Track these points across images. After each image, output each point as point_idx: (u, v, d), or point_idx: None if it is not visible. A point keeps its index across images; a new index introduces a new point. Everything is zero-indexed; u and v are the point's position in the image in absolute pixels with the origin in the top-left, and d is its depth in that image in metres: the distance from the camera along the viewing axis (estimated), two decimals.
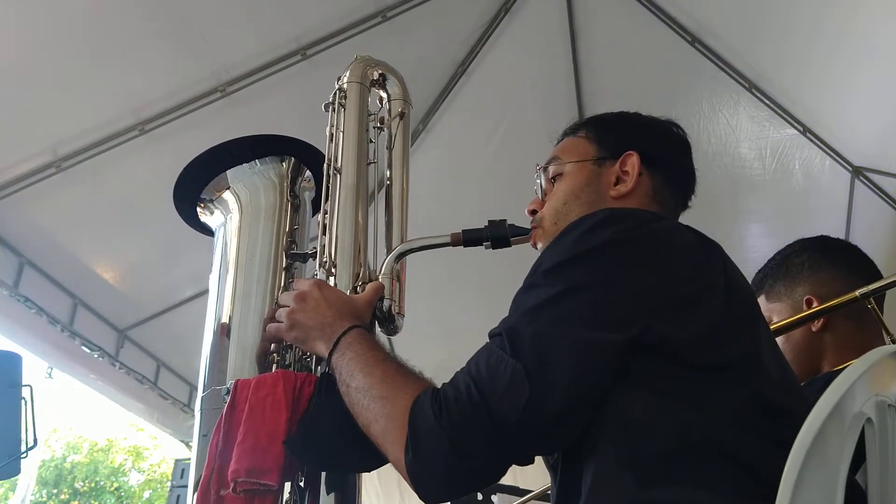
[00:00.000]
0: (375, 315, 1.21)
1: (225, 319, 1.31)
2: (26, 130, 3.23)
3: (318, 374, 1.13)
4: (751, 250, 4.09)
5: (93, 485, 15.75)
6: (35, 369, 3.89)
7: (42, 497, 15.12)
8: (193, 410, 5.03)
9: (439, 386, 0.93)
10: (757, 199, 4.24)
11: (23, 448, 2.90)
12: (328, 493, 1.09)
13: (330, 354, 1.07)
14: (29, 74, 3.06)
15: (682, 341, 0.87)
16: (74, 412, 21.48)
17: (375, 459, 0.99)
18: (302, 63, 3.46)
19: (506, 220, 1.24)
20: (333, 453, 1.05)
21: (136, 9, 3.04)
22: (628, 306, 0.88)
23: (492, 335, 0.92)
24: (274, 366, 1.22)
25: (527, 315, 0.90)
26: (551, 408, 0.83)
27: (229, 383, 1.16)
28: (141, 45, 3.15)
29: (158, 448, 16.16)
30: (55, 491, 15.34)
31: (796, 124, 3.81)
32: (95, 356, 4.07)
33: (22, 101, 3.12)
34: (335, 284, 1.22)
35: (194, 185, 1.44)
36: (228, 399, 1.12)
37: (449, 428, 0.85)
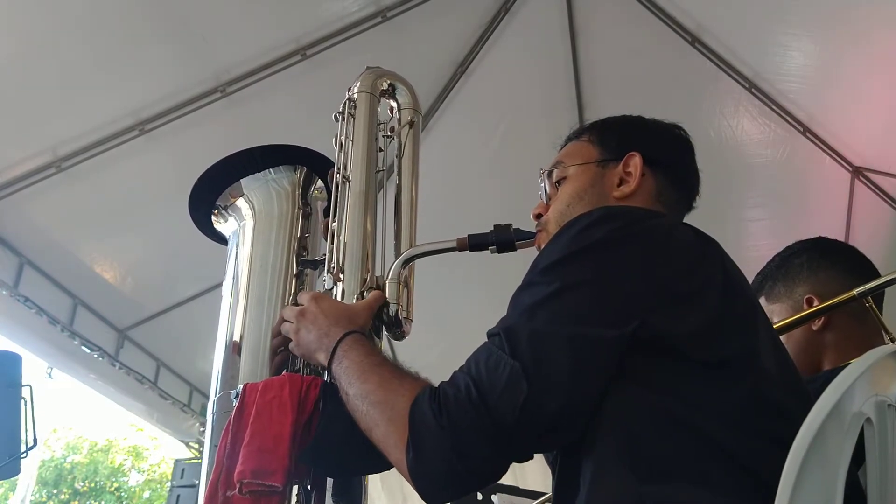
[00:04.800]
0: (383, 320, 1.22)
1: (238, 325, 1.33)
2: (26, 130, 3.23)
3: (323, 382, 1.14)
4: (751, 250, 4.09)
5: (93, 485, 15.75)
6: (35, 369, 3.89)
7: (42, 497, 15.12)
8: (193, 410, 5.05)
9: (436, 384, 0.93)
10: (757, 199, 4.24)
11: (23, 448, 2.90)
12: (334, 496, 1.10)
13: (329, 364, 1.08)
14: (29, 74, 3.06)
15: (679, 337, 0.88)
16: (74, 412, 21.46)
17: (384, 462, 0.99)
18: (302, 63, 3.46)
19: (511, 224, 1.25)
20: (345, 460, 1.06)
21: (137, 9, 3.04)
22: (624, 302, 0.89)
23: (490, 335, 0.92)
24: (284, 370, 1.24)
25: (524, 314, 0.90)
26: (550, 405, 0.84)
27: (239, 387, 1.17)
28: (141, 45, 3.15)
29: (158, 448, 16.17)
30: (55, 491, 15.33)
31: (796, 124, 3.81)
32: (95, 356, 4.08)
33: (22, 101, 3.12)
34: (343, 290, 1.23)
35: (209, 194, 1.46)
36: (237, 402, 1.14)
37: (448, 427, 0.85)
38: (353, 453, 1.03)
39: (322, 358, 1.11)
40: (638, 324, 0.86)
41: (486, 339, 0.93)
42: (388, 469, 1.06)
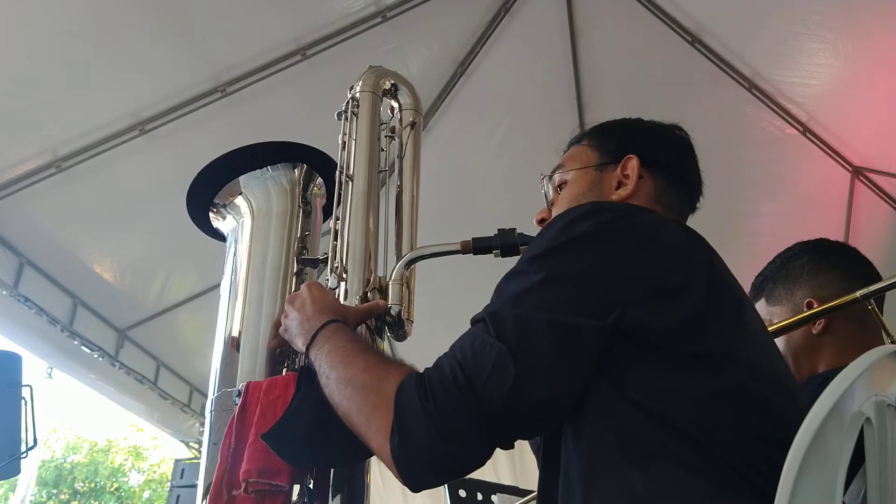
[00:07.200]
0: (385, 321, 1.23)
1: (236, 323, 1.33)
2: (26, 130, 3.23)
3: (301, 367, 1.14)
4: (751, 250, 4.09)
5: (93, 485, 15.75)
6: (35, 369, 3.90)
7: (42, 497, 15.11)
8: (193, 410, 5.04)
9: (422, 371, 0.92)
10: (757, 199, 4.25)
11: (23, 448, 2.90)
12: (336, 495, 1.10)
13: (308, 348, 1.07)
14: (29, 75, 3.06)
15: (660, 329, 0.88)
16: (74, 412, 21.50)
17: (353, 454, 0.99)
18: (302, 63, 3.46)
19: (515, 228, 1.26)
20: (311, 448, 1.04)
21: (137, 9, 3.05)
22: (606, 294, 0.89)
23: (474, 321, 0.92)
24: (284, 369, 1.23)
25: (509, 301, 0.91)
26: (537, 389, 0.84)
27: (240, 385, 1.17)
28: (141, 45, 3.15)
29: (158, 448, 16.17)
30: (55, 491, 15.33)
31: (796, 124, 3.81)
32: (95, 356, 4.08)
33: (22, 101, 3.12)
34: (346, 290, 1.24)
35: (207, 191, 1.46)
36: (240, 401, 1.13)
37: (435, 412, 0.85)
38: (321, 442, 1.02)
39: (300, 342, 1.09)
40: (618, 314, 0.86)
41: (471, 326, 0.93)
42: (352, 465, 1.08)
